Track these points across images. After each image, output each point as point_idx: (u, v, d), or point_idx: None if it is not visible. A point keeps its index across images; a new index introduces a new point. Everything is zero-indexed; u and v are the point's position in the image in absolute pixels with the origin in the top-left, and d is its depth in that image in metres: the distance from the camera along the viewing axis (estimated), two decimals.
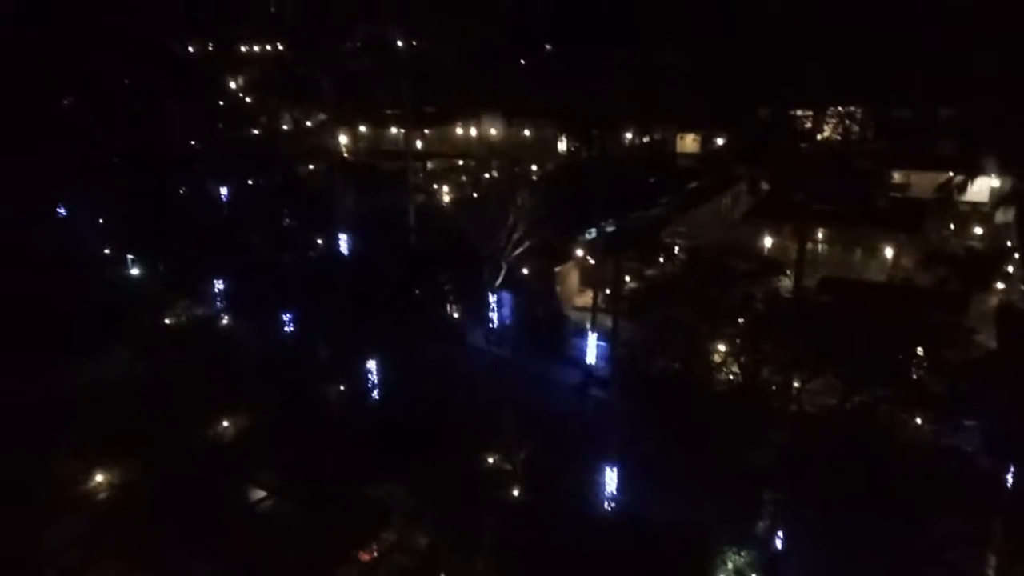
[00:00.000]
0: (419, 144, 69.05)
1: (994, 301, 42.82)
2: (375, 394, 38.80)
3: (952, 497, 25.95)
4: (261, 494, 33.58)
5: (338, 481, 31.67)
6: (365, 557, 30.18)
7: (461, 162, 70.72)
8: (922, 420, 32.20)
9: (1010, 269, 45.11)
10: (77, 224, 55.80)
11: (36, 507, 29.68)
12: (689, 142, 68.21)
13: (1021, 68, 50.22)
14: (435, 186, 64.72)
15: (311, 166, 67.95)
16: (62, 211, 56.49)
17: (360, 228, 52.66)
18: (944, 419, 31.58)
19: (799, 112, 59.86)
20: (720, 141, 64.91)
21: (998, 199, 52.96)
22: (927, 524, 26.57)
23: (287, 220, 55.16)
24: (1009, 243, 47.92)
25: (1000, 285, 44.46)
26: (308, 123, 79.17)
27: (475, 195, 59.69)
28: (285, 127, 79.88)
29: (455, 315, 46.76)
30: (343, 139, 75.04)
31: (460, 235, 46.72)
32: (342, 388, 39.09)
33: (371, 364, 38.84)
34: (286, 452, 33.94)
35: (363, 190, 56.93)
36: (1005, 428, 26.96)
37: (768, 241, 50.25)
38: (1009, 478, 25.77)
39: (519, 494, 32.41)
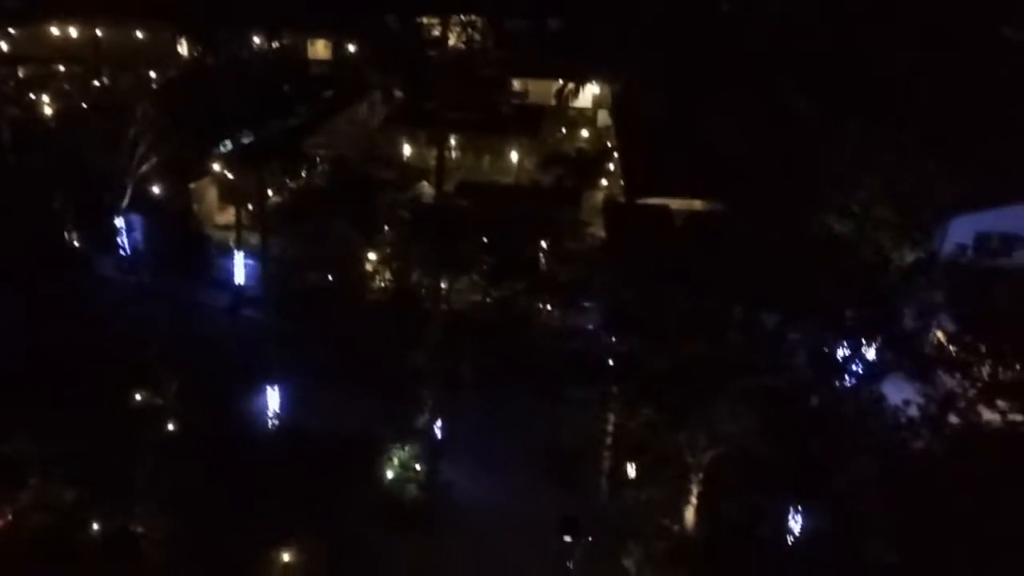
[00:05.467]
0: (3, 46, 58.87)
1: (600, 196, 48.80)
2: None
3: (581, 368, 29.74)
4: None
5: None
6: None
7: (62, 68, 61.53)
8: (552, 306, 36.29)
9: (611, 167, 51.46)
10: None
11: None
12: (321, 48, 66.38)
13: None
14: (32, 96, 55.71)
15: None
16: None
17: None
18: (569, 303, 35.96)
19: (426, 20, 61.23)
20: (352, 48, 64.21)
21: (598, 104, 59.76)
22: (565, 392, 30.29)
23: None
24: (609, 143, 54.42)
25: (604, 182, 50.71)
26: None
27: (84, 106, 52.59)
28: None
29: (76, 243, 41.67)
30: None
31: (71, 153, 41.27)
32: None
33: None
34: None
35: None
36: (615, 305, 31.26)
37: (407, 149, 51.53)
38: (622, 349, 30.00)
39: (175, 428, 30.70)
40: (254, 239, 41.82)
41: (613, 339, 30.26)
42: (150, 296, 37.42)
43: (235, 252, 41.50)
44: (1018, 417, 25.26)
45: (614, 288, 31.56)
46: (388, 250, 37.14)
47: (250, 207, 43.27)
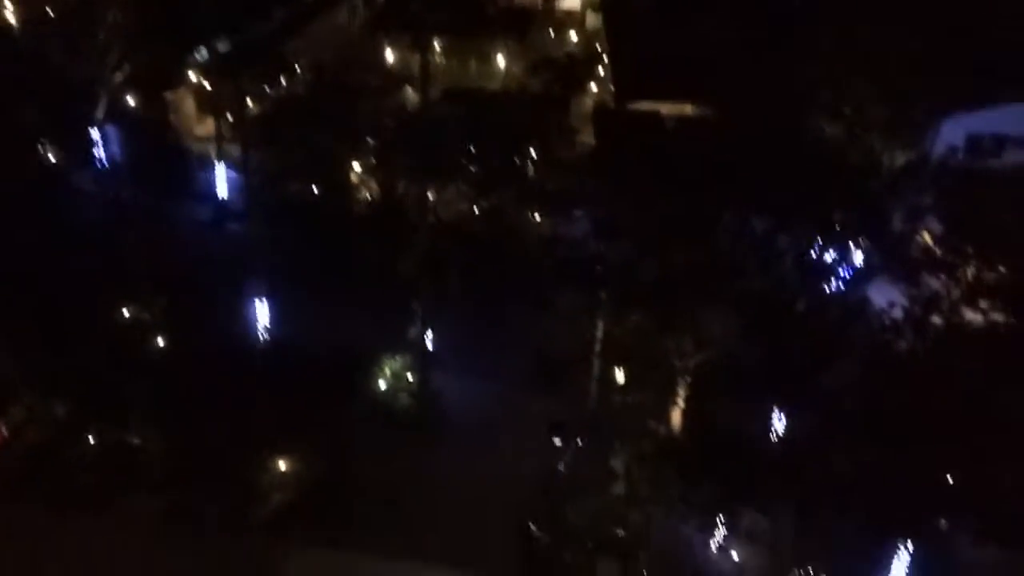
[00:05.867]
0: None
1: (590, 102, 47.86)
2: None
3: (570, 276, 29.76)
4: None
5: None
6: None
7: None
8: (541, 214, 36.04)
9: (601, 72, 50.30)
10: None
11: None
12: None
13: None
14: None
15: None
16: None
17: None
18: (558, 211, 35.68)
19: None
20: None
21: (587, 5, 57.95)
22: (554, 300, 30.47)
23: None
24: (599, 47, 53.00)
25: (594, 87, 49.63)
26: None
27: (51, 13, 50.49)
28: None
29: (52, 157, 40.70)
30: None
31: (40, 63, 39.85)
32: None
33: None
34: None
35: None
36: (605, 213, 31.03)
37: (390, 54, 50.07)
38: (611, 256, 29.92)
39: (165, 344, 30.75)
40: (235, 150, 40.99)
41: (602, 247, 30.15)
42: (131, 210, 36.84)
43: (216, 164, 40.74)
44: (1000, 317, 25.52)
45: (603, 196, 31.28)
46: (373, 159, 36.50)
47: (229, 117, 42.23)
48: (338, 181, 37.26)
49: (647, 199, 27.93)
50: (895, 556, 22.92)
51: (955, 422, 23.04)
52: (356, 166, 37.41)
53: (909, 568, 22.78)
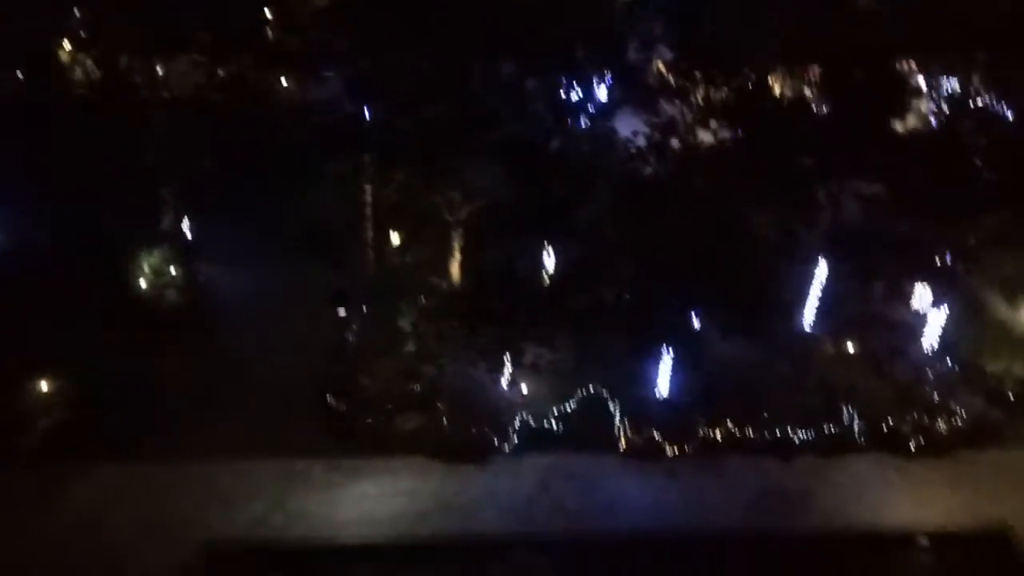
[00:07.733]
0: None
1: None
2: None
3: (329, 141, 28.72)
4: None
5: None
6: None
7: None
8: (287, 79, 34.05)
9: None
10: None
11: None
12: None
13: None
14: None
15: None
16: None
17: None
18: (305, 74, 33.81)
19: None
20: None
21: None
22: (316, 168, 29.46)
23: None
24: None
25: None
26: None
27: None
28: None
29: None
30: None
31: None
32: None
33: None
34: None
35: None
36: (353, 72, 29.79)
37: None
38: (367, 116, 29.08)
39: None
40: None
41: (356, 107, 29.21)
42: None
43: None
44: (728, 135, 27.94)
45: (350, 54, 29.96)
46: (84, 34, 32.35)
47: None
48: (47, 63, 32.85)
49: (394, 53, 27.14)
50: (661, 359, 25.45)
51: (698, 233, 25.55)
52: (66, 44, 33.07)
53: (673, 367, 25.44)
